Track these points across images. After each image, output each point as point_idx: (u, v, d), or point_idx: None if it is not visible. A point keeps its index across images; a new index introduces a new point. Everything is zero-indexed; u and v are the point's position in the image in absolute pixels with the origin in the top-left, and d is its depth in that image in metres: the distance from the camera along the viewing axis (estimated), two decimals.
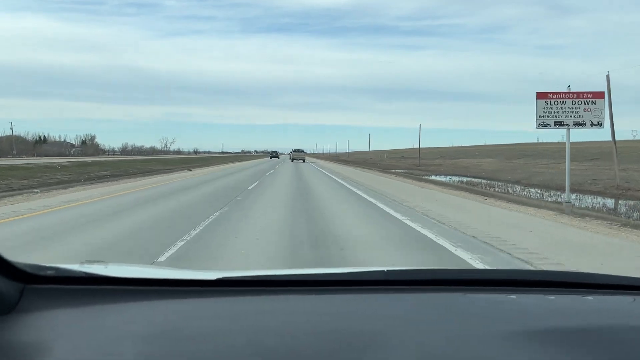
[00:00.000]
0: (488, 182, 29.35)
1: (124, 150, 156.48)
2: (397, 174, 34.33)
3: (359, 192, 17.69)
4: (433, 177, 33.28)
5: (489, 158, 66.61)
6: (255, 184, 21.02)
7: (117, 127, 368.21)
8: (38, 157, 75.68)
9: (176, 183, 21.54)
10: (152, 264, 5.95)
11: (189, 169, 38.30)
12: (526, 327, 1.09)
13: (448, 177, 36.16)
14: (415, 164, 60.90)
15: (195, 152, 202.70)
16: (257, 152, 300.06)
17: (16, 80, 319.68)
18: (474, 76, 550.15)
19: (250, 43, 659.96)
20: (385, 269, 1.38)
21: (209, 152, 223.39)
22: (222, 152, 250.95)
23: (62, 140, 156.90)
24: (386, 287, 1.34)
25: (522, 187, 25.13)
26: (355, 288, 1.33)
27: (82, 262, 1.29)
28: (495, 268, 5.64)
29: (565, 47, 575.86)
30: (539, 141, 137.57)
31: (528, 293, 1.37)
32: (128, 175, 25.80)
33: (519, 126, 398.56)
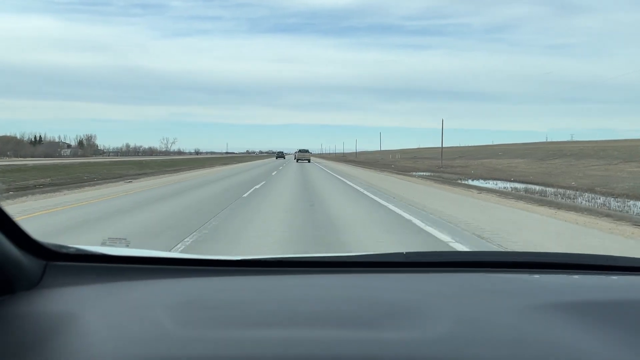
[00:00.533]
0: (555, 190, 21.82)
1: (120, 151, 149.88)
2: (430, 179, 27.03)
3: (437, 232, 8.29)
4: (476, 183, 25.88)
5: (519, 158, 59.04)
6: (204, 229, 8.19)
7: (122, 127, 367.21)
8: (14, 159, 69.17)
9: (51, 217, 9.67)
10: None
11: (153, 175, 30.83)
12: (551, 301, 1.08)
13: (490, 182, 28.74)
14: (435, 165, 53.52)
15: (197, 152, 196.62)
16: (261, 152, 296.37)
17: (22, 81, 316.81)
18: (481, 76, 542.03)
19: (256, 43, 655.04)
20: (404, 251, 1.38)
21: (211, 153, 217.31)
22: (226, 153, 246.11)
23: (60, 140, 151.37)
24: (406, 269, 1.33)
25: (620, 199, 17.58)
26: (375, 269, 1.32)
27: (104, 241, 1.28)
28: (516, 251, 4.92)
29: (573, 46, 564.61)
30: (548, 140, 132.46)
31: (551, 274, 1.33)
32: (65, 186, 18.48)
33: (526, 126, 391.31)
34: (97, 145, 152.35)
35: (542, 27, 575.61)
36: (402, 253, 1.37)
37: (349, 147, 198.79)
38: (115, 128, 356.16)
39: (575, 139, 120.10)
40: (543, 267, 1.39)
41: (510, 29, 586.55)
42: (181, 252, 6.72)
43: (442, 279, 1.28)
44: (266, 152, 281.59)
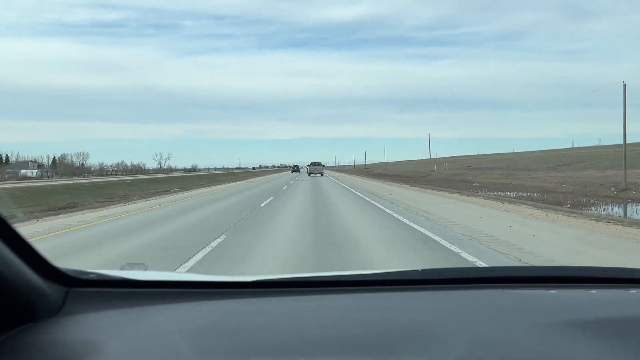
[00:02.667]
0: None
1: (85, 170, 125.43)
2: None
3: None
4: None
5: None
6: None
7: (136, 146, 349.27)
8: None
9: None
10: None
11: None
12: (569, 318, 1.05)
13: None
14: (581, 181, 27.24)
15: (194, 169, 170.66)
16: (274, 166, 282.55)
17: (40, 103, 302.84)
18: (494, 84, 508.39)
19: (268, 59, 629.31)
20: (419, 268, 1.36)
21: (214, 169, 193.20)
22: (237, 168, 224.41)
23: (31, 160, 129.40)
24: (422, 286, 1.32)
25: None
26: (391, 287, 1.30)
27: (122, 266, 1.29)
28: (532, 265, 4.67)
29: (587, 51, 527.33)
30: (575, 146, 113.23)
31: (568, 288, 1.31)
32: None
33: (541, 132, 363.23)
34: (73, 164, 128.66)
35: (556, 32, 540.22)
36: (418, 270, 1.34)
37: (364, 159, 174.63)
38: (129, 147, 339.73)
39: (603, 143, 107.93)
40: (559, 281, 1.36)
41: (524, 35, 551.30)
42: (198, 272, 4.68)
43: (458, 297, 1.25)
44: (278, 166, 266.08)
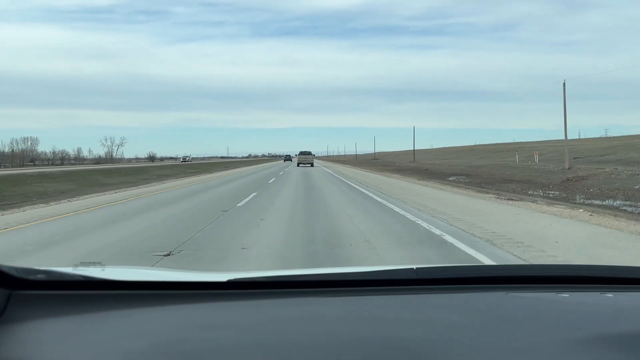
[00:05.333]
0: None
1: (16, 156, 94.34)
2: None
3: None
4: None
5: None
6: None
7: (127, 134, 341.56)
8: None
9: None
10: None
11: None
12: (587, 330, 0.94)
13: None
14: None
15: (151, 158, 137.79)
16: (264, 155, 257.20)
17: (27, 90, 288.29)
18: (488, 75, 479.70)
19: (260, 47, 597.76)
20: (414, 266, 1.24)
21: (201, 158, 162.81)
22: (222, 157, 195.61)
23: None
24: (417, 287, 1.20)
25: None
26: (383, 288, 1.18)
27: (76, 265, 1.14)
28: (539, 263, 4.21)
29: (581, 43, 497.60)
30: (581, 137, 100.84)
31: (582, 291, 1.20)
32: None
33: (539, 124, 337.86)
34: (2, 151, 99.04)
35: (550, 24, 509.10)
36: (412, 269, 1.23)
37: (356, 149, 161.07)
38: (119, 135, 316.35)
39: (610, 134, 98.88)
40: (571, 281, 1.24)
41: (517, 27, 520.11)
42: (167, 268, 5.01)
43: (457, 301, 1.13)
44: (268, 156, 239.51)
